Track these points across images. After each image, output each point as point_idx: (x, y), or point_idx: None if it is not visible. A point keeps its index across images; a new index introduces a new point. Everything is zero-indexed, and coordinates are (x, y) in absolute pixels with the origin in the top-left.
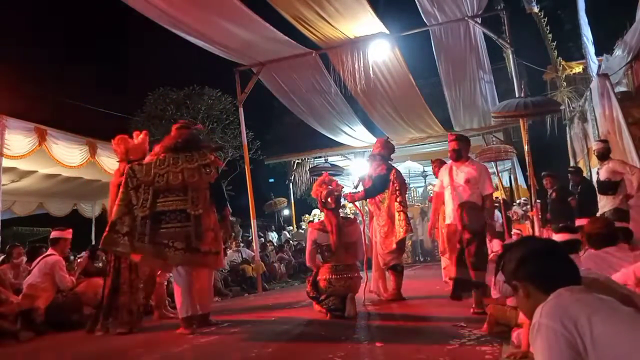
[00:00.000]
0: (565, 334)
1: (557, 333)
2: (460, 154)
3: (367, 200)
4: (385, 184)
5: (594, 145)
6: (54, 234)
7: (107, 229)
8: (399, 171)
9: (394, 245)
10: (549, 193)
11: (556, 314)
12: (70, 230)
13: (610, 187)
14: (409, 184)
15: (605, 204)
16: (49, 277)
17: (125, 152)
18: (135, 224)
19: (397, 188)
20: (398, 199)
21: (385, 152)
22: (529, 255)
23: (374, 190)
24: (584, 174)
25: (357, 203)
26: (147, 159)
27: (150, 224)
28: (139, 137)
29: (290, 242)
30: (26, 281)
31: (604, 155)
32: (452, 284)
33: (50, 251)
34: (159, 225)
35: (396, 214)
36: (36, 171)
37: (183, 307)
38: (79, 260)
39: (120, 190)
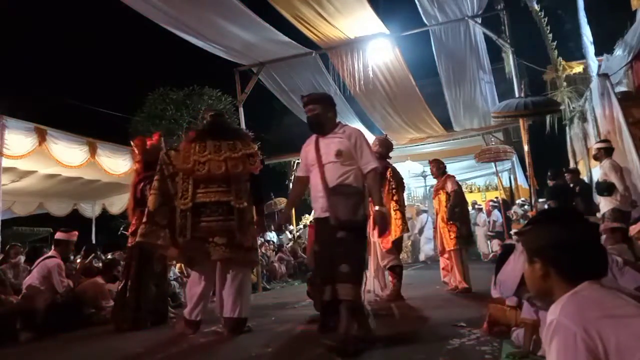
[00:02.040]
0: (586, 339)
1: (577, 337)
2: (323, 120)
3: None
4: (382, 182)
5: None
6: (58, 235)
7: (145, 221)
8: (396, 170)
9: (390, 245)
10: None
11: (579, 317)
12: (76, 233)
13: (605, 188)
14: (409, 184)
15: (604, 205)
16: (47, 279)
17: (142, 152)
18: (175, 216)
19: (393, 187)
20: (394, 198)
21: (383, 150)
22: (563, 242)
23: None
24: (584, 175)
25: None
26: (183, 144)
27: (191, 217)
28: (154, 138)
29: (294, 243)
30: (25, 282)
31: (596, 157)
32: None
33: (51, 252)
34: (199, 219)
35: (392, 213)
36: (36, 171)
37: (194, 310)
38: (79, 260)
39: (156, 178)
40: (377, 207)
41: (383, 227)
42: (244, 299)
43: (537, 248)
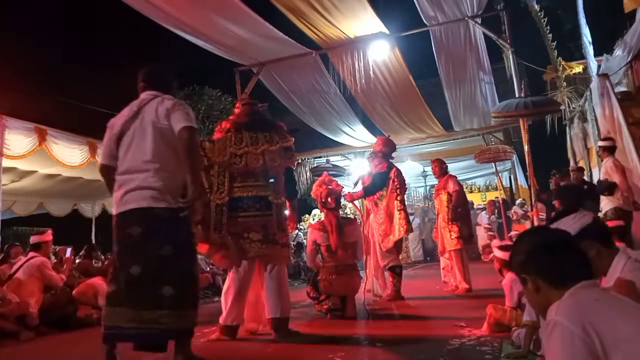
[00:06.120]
0: (584, 339)
1: (575, 336)
2: None
3: (365, 197)
4: (385, 181)
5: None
6: (33, 238)
7: None
8: (400, 170)
9: (392, 245)
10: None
11: (576, 316)
12: (50, 232)
13: (606, 187)
14: (409, 184)
15: (606, 204)
16: (35, 278)
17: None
18: (209, 210)
19: (397, 186)
20: (398, 198)
21: (387, 149)
22: (539, 248)
23: (373, 188)
24: (585, 174)
25: (356, 202)
26: (217, 135)
27: (227, 211)
28: None
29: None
30: (9, 284)
31: (599, 155)
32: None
33: (32, 254)
34: (235, 214)
35: (396, 213)
36: (36, 171)
37: (231, 313)
38: (78, 260)
39: None
40: None
41: None
42: (284, 297)
43: (520, 264)
